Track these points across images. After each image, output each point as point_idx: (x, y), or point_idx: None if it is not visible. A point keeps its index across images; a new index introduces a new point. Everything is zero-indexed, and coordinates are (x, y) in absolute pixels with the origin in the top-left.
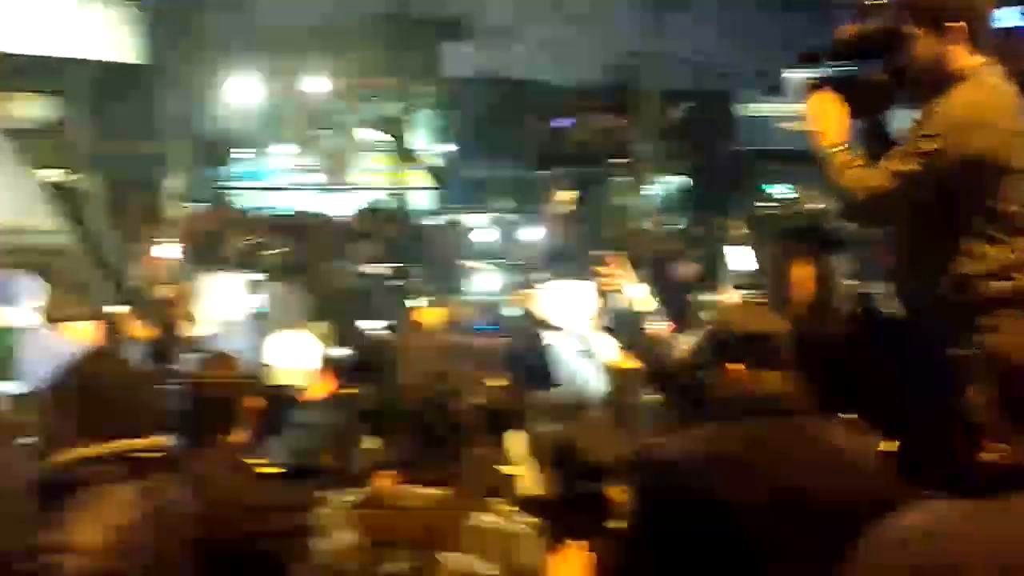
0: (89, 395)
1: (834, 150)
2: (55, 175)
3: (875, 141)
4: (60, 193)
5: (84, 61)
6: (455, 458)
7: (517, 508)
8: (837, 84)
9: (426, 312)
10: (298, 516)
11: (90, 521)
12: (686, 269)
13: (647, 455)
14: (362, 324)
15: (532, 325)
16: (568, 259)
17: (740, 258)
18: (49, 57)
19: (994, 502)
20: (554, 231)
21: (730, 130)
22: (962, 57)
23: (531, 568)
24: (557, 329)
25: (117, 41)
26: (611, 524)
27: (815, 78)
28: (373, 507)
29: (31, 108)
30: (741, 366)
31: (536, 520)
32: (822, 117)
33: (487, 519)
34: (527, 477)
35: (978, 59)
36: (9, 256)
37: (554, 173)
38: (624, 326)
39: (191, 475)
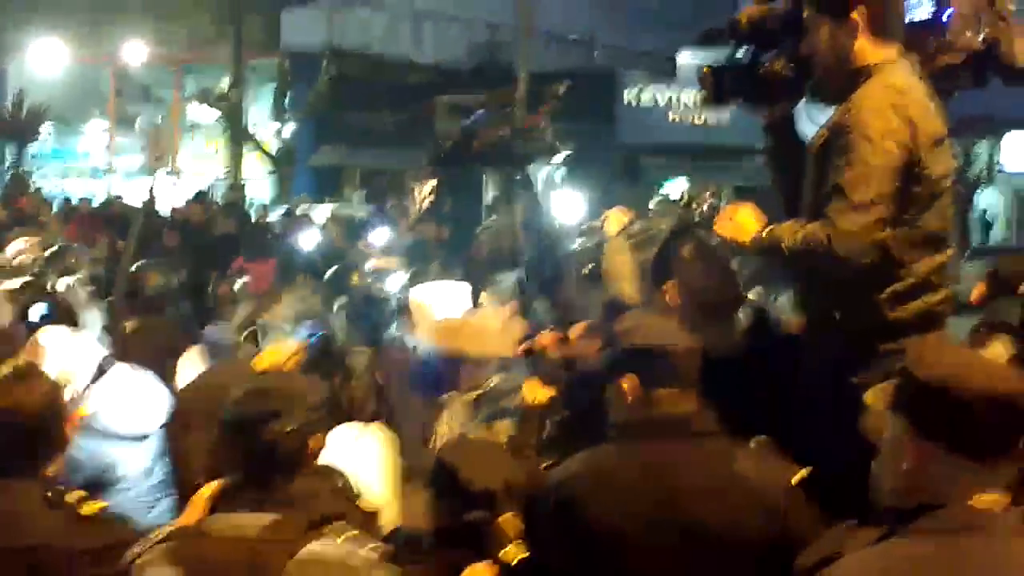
0: None
1: (766, 235)
2: None
3: (779, 136)
4: None
5: None
6: (282, 482)
7: (358, 536)
8: (736, 71)
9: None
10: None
11: None
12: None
13: (542, 479)
14: None
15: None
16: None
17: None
18: None
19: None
20: (410, 228)
21: (613, 119)
22: (868, 50)
23: None
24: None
25: None
26: (502, 555)
27: (711, 65)
28: (191, 539)
29: None
30: (636, 382)
31: (382, 548)
32: (740, 228)
33: (322, 549)
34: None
35: (886, 51)
36: None
37: (416, 165)
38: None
39: None
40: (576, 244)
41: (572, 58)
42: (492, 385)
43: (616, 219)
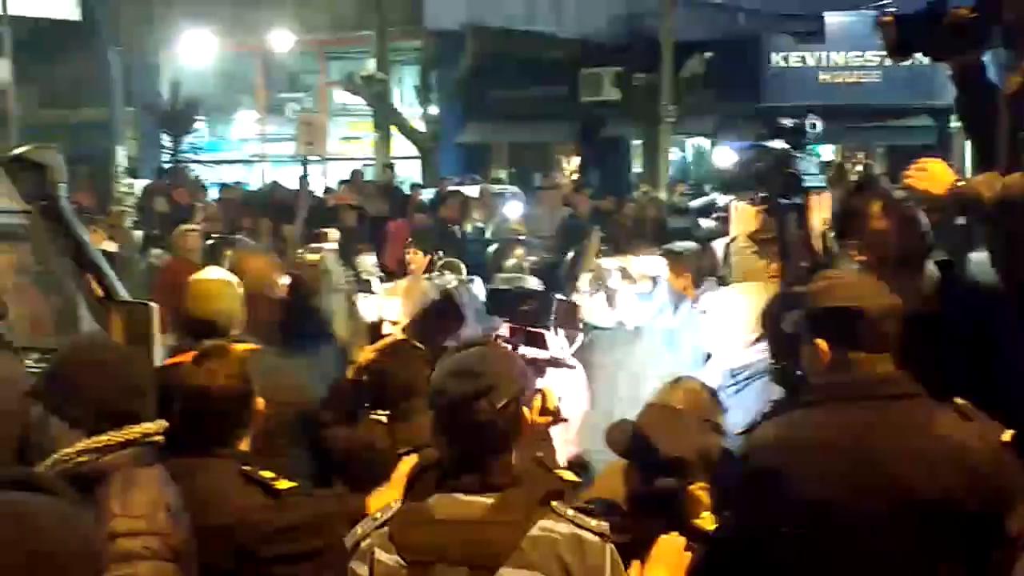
0: (82, 383)
1: (963, 186)
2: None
3: (969, 86)
4: (21, 169)
5: (16, 19)
6: (499, 460)
7: (578, 512)
8: (919, 20)
9: None
10: (322, 536)
11: (136, 505)
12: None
13: (740, 446)
14: None
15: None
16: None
17: None
18: None
19: None
20: (555, 205)
21: (760, 83)
22: None
23: None
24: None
25: None
26: (696, 522)
27: (893, 14)
28: (412, 523)
29: None
30: (827, 344)
31: (603, 524)
32: (934, 179)
33: (554, 526)
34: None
35: None
36: None
37: (561, 139)
38: None
39: (188, 487)
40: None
41: (716, 25)
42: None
43: (743, 218)
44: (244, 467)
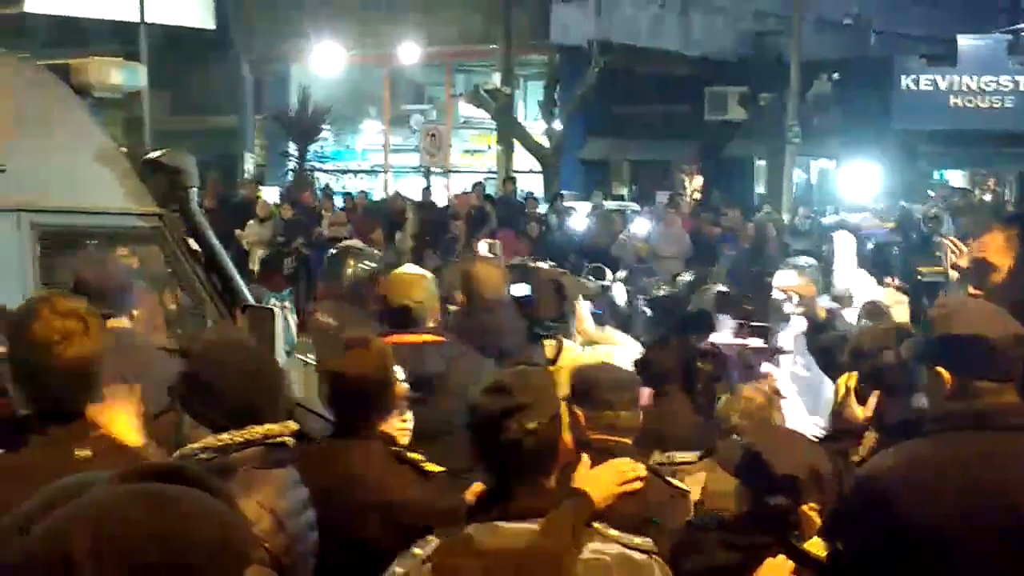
0: (215, 382)
1: None
2: (154, 152)
3: None
4: (154, 171)
5: (151, 26)
6: (537, 484)
7: (625, 533)
8: None
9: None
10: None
11: (253, 507)
12: None
13: (858, 473)
14: None
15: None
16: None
17: None
18: (106, 21)
19: None
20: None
21: (889, 105)
22: None
23: None
24: None
25: (185, 3)
26: (806, 547)
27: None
28: (458, 556)
29: (109, 74)
30: (949, 372)
31: (647, 540)
32: None
33: (599, 548)
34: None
35: None
36: (96, 243)
37: (684, 157)
38: None
39: (340, 468)
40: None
41: (845, 45)
42: None
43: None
44: (394, 448)
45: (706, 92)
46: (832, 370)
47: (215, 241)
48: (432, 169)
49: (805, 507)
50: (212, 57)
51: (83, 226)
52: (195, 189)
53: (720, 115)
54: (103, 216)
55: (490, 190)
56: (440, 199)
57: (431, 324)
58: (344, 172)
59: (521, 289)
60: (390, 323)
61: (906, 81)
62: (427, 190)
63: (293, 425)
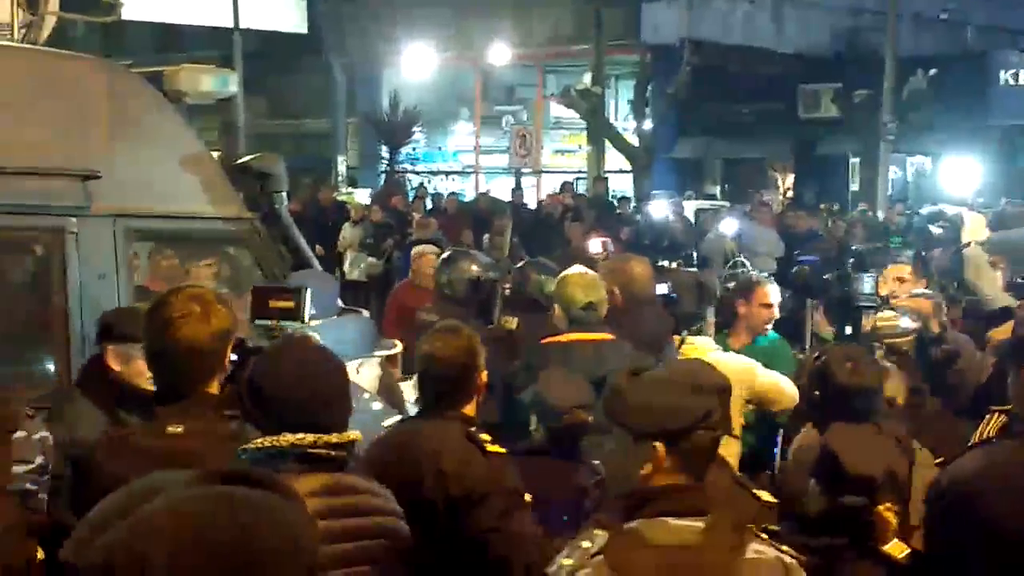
0: (264, 389)
1: None
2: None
3: None
4: (246, 175)
5: (245, 32)
6: (705, 481)
7: (767, 534)
8: None
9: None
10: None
11: None
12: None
13: (941, 476)
14: None
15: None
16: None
17: None
18: (202, 27)
19: None
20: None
21: (988, 100)
22: None
23: None
24: None
25: (278, 8)
26: (886, 549)
27: None
28: (632, 550)
29: (201, 81)
30: None
31: (792, 549)
32: None
33: (765, 549)
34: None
35: None
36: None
37: (777, 155)
38: None
39: (420, 443)
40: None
41: (941, 40)
42: None
43: (975, 226)
44: (469, 428)
45: (799, 89)
46: (941, 387)
47: (304, 244)
48: (522, 170)
49: (881, 508)
50: (305, 61)
51: (176, 230)
52: (284, 193)
53: (814, 112)
54: (195, 220)
55: (581, 190)
56: (531, 200)
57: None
58: (435, 174)
59: (663, 288)
60: (570, 323)
61: (1004, 76)
62: (517, 191)
63: (330, 437)
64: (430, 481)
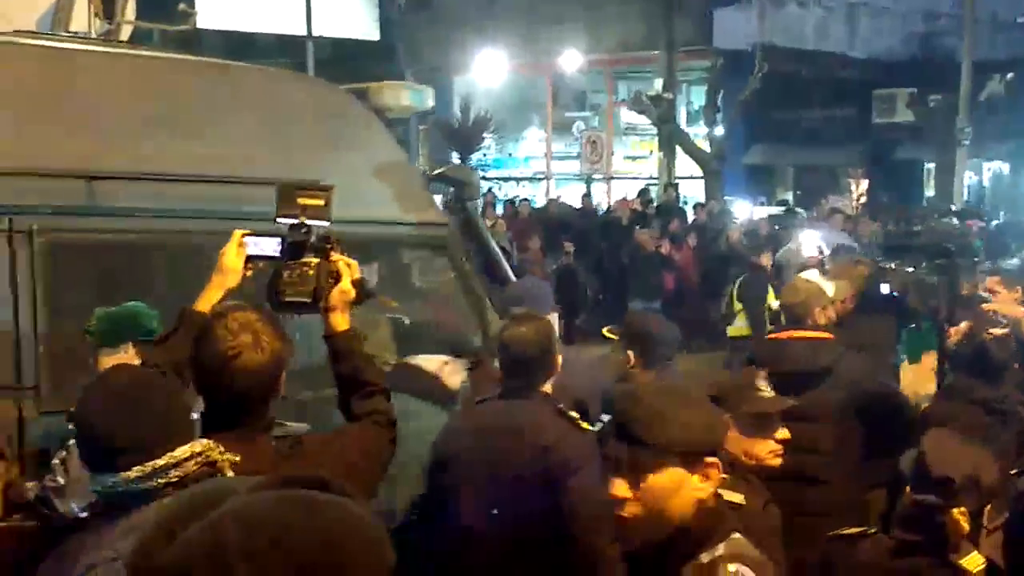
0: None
1: None
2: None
3: None
4: (442, 183)
5: (318, 39)
6: None
7: None
8: None
9: None
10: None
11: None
12: None
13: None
14: None
15: None
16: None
17: None
18: (274, 35)
19: None
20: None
21: None
22: None
23: None
24: None
25: (351, 16)
26: (961, 563)
27: None
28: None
29: (402, 96)
30: None
31: None
32: None
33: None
34: None
35: None
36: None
37: (850, 161)
38: None
39: (509, 420)
40: None
41: (1018, 44)
42: None
43: None
44: (557, 406)
45: (873, 94)
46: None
47: (496, 250)
48: (593, 176)
49: (955, 511)
50: (377, 68)
51: (381, 235)
52: (477, 201)
53: (888, 118)
54: (398, 227)
55: (653, 196)
56: (602, 205)
57: (819, 321)
58: (506, 180)
59: (886, 288)
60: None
61: None
62: (587, 197)
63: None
64: (531, 452)
